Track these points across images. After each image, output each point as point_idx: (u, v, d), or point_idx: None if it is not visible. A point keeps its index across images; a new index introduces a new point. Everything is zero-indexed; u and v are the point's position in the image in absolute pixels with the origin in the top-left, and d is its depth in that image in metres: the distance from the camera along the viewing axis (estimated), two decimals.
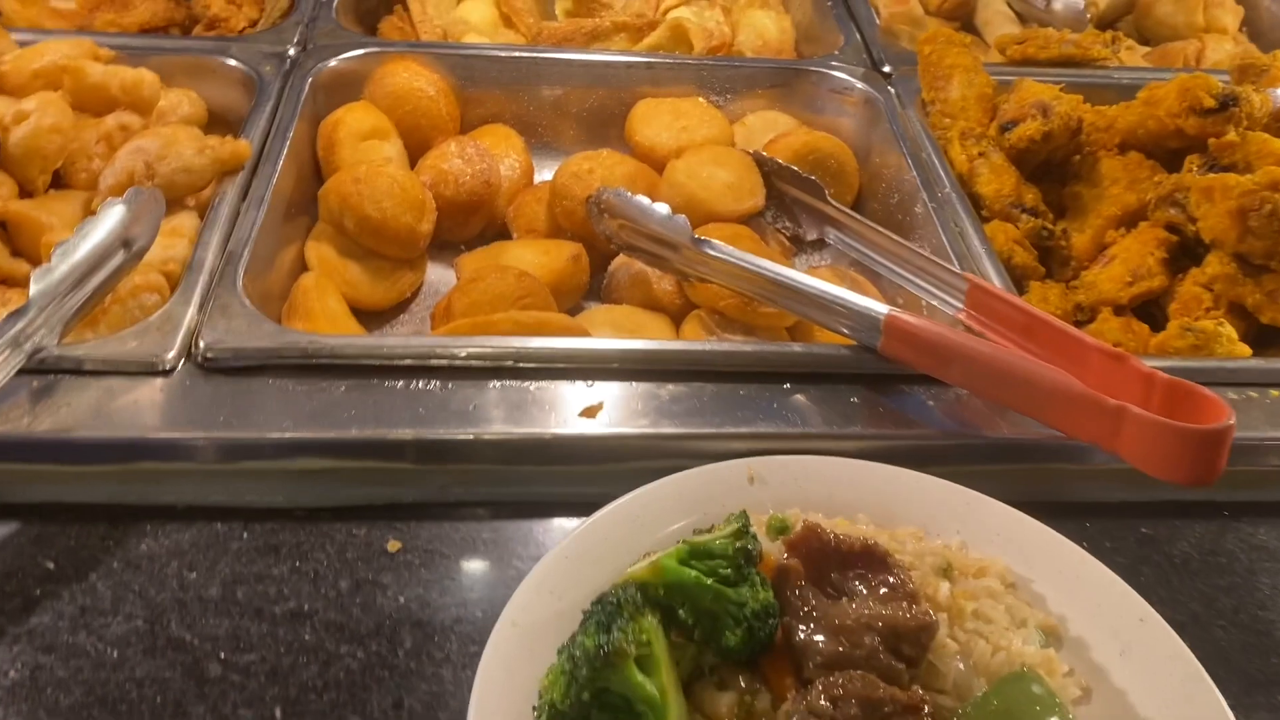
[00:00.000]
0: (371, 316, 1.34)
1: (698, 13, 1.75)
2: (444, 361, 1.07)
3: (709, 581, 0.80)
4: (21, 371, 1.00)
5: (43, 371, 1.02)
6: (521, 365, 1.07)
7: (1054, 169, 1.48)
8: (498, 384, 1.06)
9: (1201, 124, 1.36)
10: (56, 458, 0.98)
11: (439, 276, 1.41)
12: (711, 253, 1.20)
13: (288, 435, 0.99)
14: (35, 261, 1.14)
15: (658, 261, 1.27)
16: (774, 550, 0.88)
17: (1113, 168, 1.42)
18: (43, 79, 1.34)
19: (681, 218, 1.23)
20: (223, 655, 0.88)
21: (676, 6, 1.78)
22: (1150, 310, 1.34)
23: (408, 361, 1.06)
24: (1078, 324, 1.31)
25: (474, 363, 1.07)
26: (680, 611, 0.82)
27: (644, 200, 1.26)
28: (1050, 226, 1.37)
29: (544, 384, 1.06)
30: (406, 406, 1.03)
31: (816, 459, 1.00)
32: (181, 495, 1.00)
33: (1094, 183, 1.43)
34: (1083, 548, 1.03)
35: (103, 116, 1.33)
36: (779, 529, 0.90)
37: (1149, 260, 1.32)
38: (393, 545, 0.98)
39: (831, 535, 0.86)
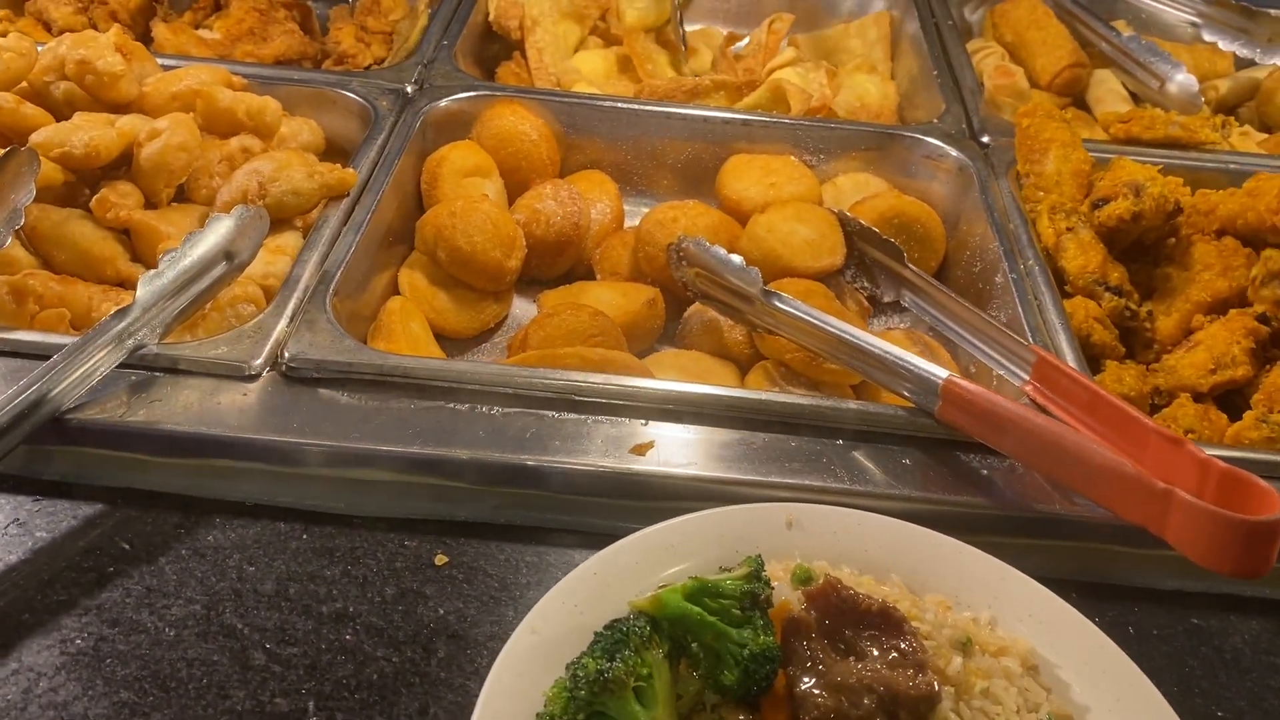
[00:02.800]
0: (455, 343, 1.40)
1: (802, 74, 1.79)
2: (508, 390, 1.11)
3: (711, 619, 0.82)
4: (123, 366, 1.09)
5: (142, 367, 1.11)
6: (581, 399, 1.11)
7: (1148, 250, 1.46)
8: (556, 415, 1.10)
9: None
10: (144, 447, 1.06)
11: (524, 310, 1.47)
12: (780, 306, 1.23)
13: (352, 445, 1.05)
14: (152, 267, 1.23)
15: (731, 311, 1.30)
16: (793, 599, 0.89)
17: (1206, 253, 1.39)
18: (179, 101, 1.45)
19: (754, 270, 1.26)
20: (268, 646, 0.94)
21: (783, 67, 1.81)
22: (1234, 400, 1.30)
23: (474, 386, 1.11)
24: (1154, 408, 1.28)
25: (536, 393, 1.11)
26: (692, 645, 0.84)
27: (720, 250, 1.30)
28: (1134, 307, 1.35)
29: (600, 419, 1.10)
30: (468, 428, 1.08)
31: (858, 514, 1.01)
32: (251, 493, 1.06)
33: (1186, 266, 1.41)
34: (1128, 633, 1.02)
35: (228, 138, 1.44)
36: (802, 579, 0.91)
37: (1234, 349, 1.29)
38: (440, 559, 1.03)
39: (851, 593, 0.87)
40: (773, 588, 0.88)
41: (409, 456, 1.05)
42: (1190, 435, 1.21)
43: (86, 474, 1.07)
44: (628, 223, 1.57)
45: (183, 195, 1.41)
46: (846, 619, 0.87)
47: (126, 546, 1.01)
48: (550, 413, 1.10)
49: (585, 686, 0.79)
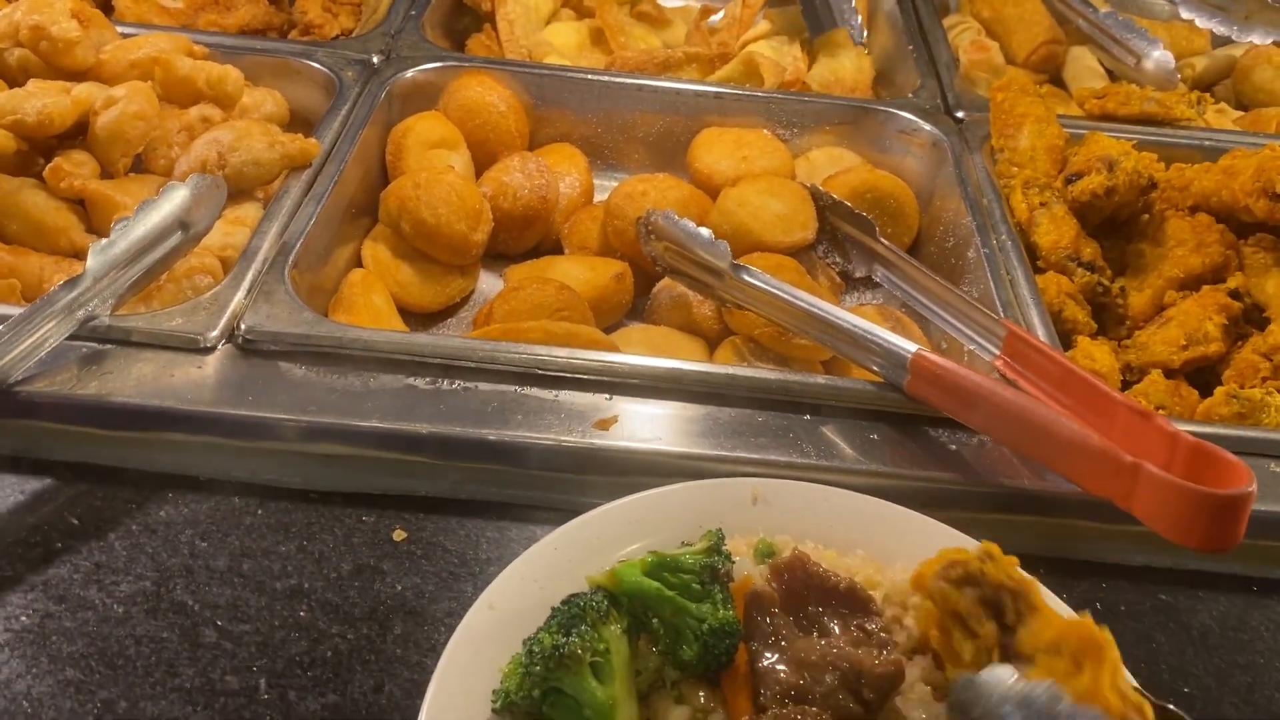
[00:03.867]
0: (420, 318, 1.38)
1: (775, 48, 1.77)
2: (470, 363, 1.09)
3: (669, 594, 0.81)
4: (74, 337, 1.06)
5: (94, 339, 1.08)
6: (544, 373, 1.09)
7: (1121, 226, 1.44)
8: (519, 389, 1.08)
9: (1271, 208, 1.32)
10: (94, 421, 1.03)
11: (490, 285, 1.44)
12: (749, 280, 1.21)
13: (310, 419, 1.03)
14: (106, 238, 1.20)
15: (700, 286, 1.28)
16: (756, 574, 0.88)
17: (1180, 229, 1.38)
18: (137, 69, 1.42)
19: (723, 243, 1.24)
20: (219, 623, 0.91)
21: (756, 40, 1.79)
22: (1205, 377, 1.29)
23: (435, 360, 1.09)
24: (1125, 384, 1.27)
25: (499, 366, 1.09)
26: (652, 621, 0.83)
27: (689, 224, 1.28)
28: (1106, 283, 1.34)
29: (564, 393, 1.08)
30: (429, 403, 1.05)
31: (823, 488, 0.99)
32: (206, 468, 1.04)
33: (1159, 242, 1.39)
34: (1095, 609, 1.01)
35: (188, 108, 1.40)
36: (765, 553, 0.90)
37: (1207, 325, 1.28)
38: (398, 535, 1.01)
39: (818, 568, 0.86)
40: (733, 561, 0.87)
41: (367, 430, 1.02)
42: (1161, 411, 1.20)
43: (35, 448, 1.04)
44: (598, 197, 1.54)
45: (140, 166, 1.37)
46: (812, 595, 0.86)
47: (75, 522, 0.99)
48: (513, 387, 1.08)
49: (541, 662, 0.78)
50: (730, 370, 1.12)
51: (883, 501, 0.99)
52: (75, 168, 1.29)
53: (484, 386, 1.08)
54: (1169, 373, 1.27)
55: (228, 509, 1.01)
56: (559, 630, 0.79)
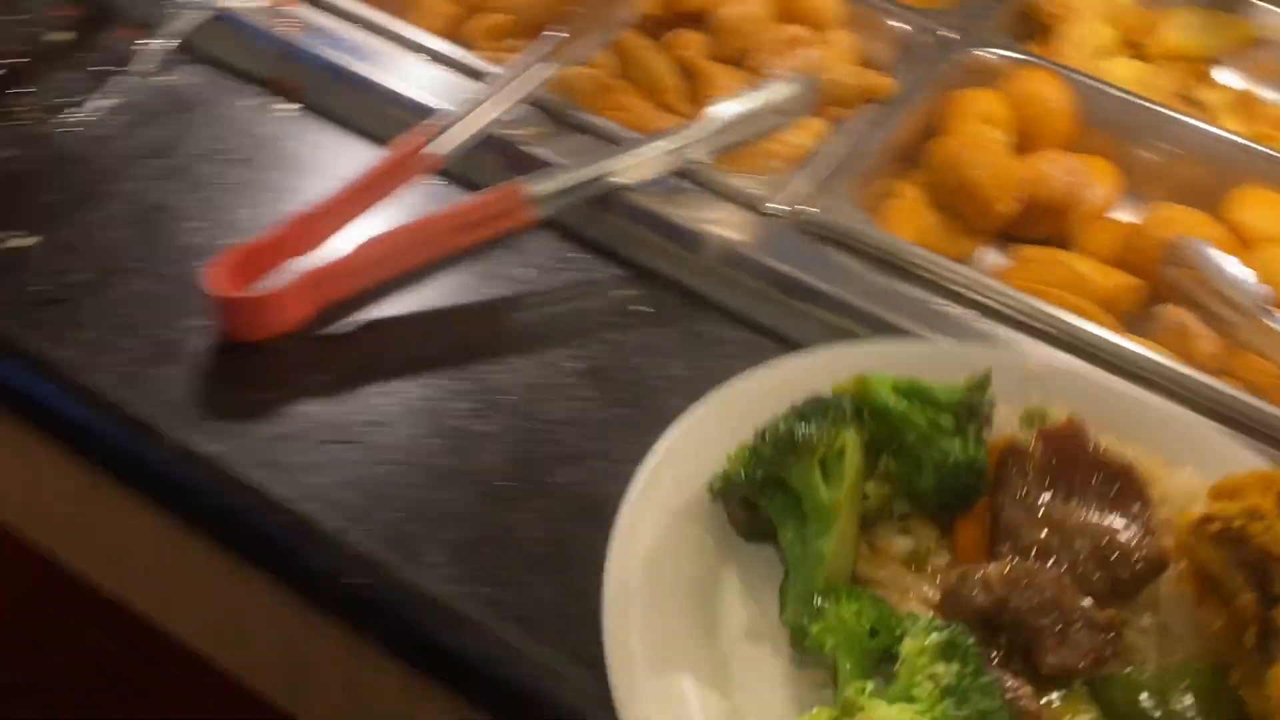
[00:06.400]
0: None
1: None
2: (988, 299, 1.23)
3: (917, 418, 0.77)
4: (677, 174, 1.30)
5: (684, 176, 1.30)
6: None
7: None
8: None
9: None
10: (661, 232, 1.26)
11: (986, 257, 1.52)
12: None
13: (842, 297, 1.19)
14: (699, 108, 1.40)
15: (1214, 320, 1.28)
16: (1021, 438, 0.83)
17: None
18: None
19: (1265, 288, 1.25)
20: None
21: None
22: None
23: (956, 289, 1.23)
24: None
25: (1010, 312, 1.21)
26: (892, 445, 0.79)
27: (1228, 258, 1.30)
28: None
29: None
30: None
31: (1124, 384, 0.97)
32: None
33: None
34: None
35: (784, 25, 1.60)
36: (1037, 417, 0.85)
37: None
38: None
39: (1095, 441, 0.80)
40: (994, 405, 0.80)
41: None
42: None
43: (615, 241, 1.27)
44: (1116, 215, 1.57)
45: (739, 61, 1.58)
46: (1080, 468, 0.79)
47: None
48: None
49: (772, 445, 0.75)
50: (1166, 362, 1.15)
51: (1188, 411, 0.94)
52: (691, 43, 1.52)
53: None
54: None
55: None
56: (797, 418, 0.75)
